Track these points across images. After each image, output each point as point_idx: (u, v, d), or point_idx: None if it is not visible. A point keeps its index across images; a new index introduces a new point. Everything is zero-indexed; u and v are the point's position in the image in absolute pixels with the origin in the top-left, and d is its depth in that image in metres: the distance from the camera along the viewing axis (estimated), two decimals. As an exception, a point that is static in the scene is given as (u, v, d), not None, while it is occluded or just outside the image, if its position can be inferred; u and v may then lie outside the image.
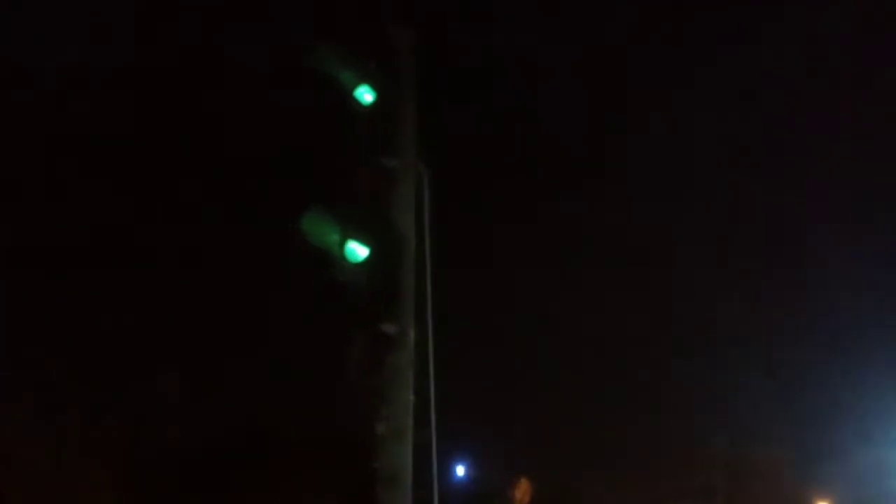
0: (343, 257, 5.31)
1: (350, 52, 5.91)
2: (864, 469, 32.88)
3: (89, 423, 20.41)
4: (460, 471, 32.50)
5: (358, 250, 5.36)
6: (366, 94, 5.89)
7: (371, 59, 5.95)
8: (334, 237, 5.30)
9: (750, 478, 33.64)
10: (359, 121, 5.87)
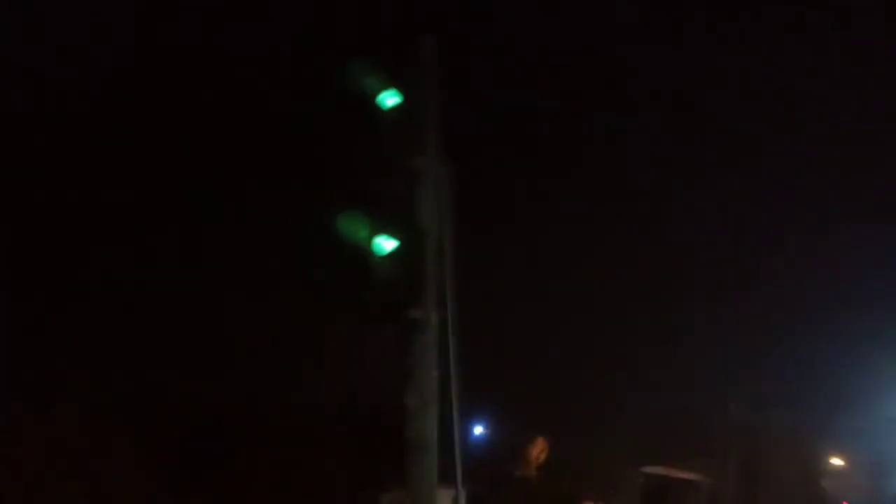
0: (372, 252, 5.93)
1: (373, 58, 6.44)
2: (877, 426, 33.43)
3: (107, 409, 21.14)
4: (478, 430, 33.50)
5: (385, 244, 5.98)
6: (388, 98, 6.45)
7: (394, 65, 6.48)
8: (364, 234, 5.91)
9: (763, 441, 34.24)
10: (383, 123, 6.43)
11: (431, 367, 6.03)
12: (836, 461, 37.45)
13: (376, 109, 6.35)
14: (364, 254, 5.91)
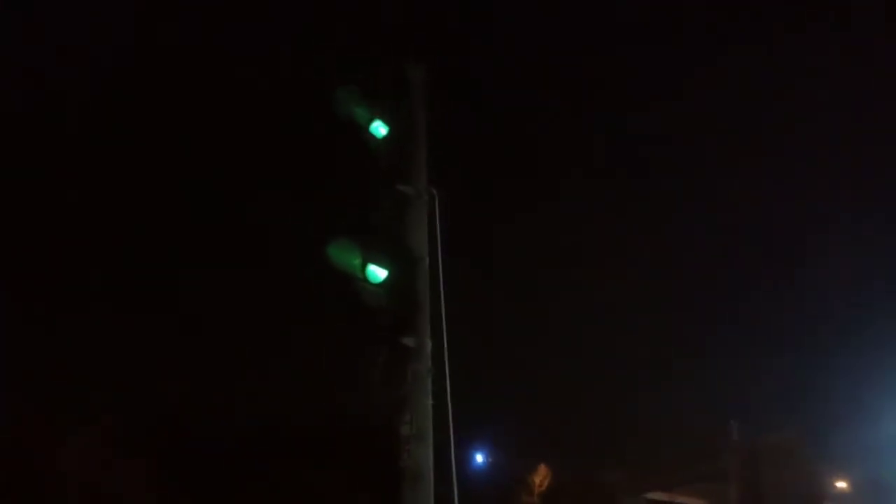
0: (365, 279, 5.91)
1: (363, 89, 6.48)
2: (878, 448, 33.21)
3: (125, 421, 21.12)
4: (479, 458, 33.21)
5: (378, 272, 5.96)
6: (380, 128, 6.48)
7: (383, 95, 6.52)
8: (356, 261, 5.89)
9: (765, 463, 33.99)
10: (374, 152, 6.45)
11: (426, 395, 5.98)
12: (840, 484, 37.15)
13: (367, 137, 6.38)
14: (357, 282, 5.89)
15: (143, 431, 21.48)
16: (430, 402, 6.00)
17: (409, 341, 5.95)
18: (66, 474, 18.96)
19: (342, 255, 5.82)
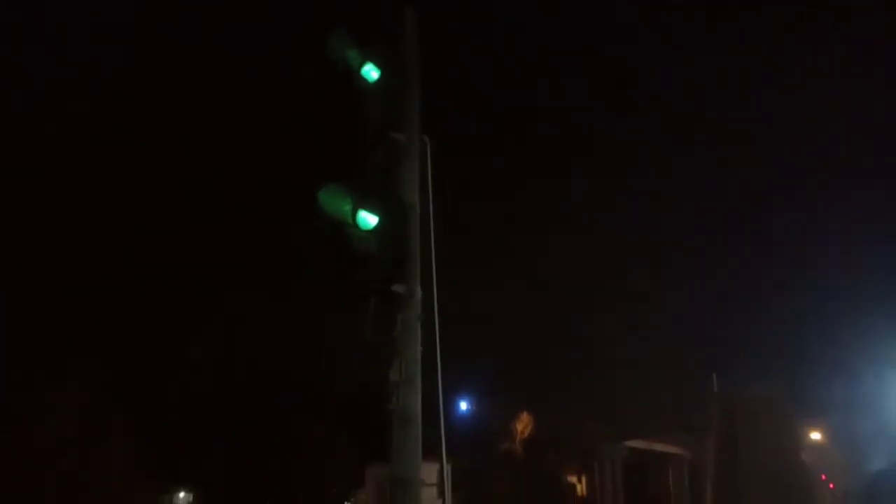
0: (356, 225, 5.87)
1: (356, 32, 6.35)
2: (855, 403, 33.99)
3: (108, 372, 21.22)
4: (464, 406, 33.72)
5: (369, 219, 5.93)
6: (372, 72, 6.37)
7: (376, 38, 6.39)
8: (347, 208, 5.85)
9: (743, 415, 34.72)
10: (366, 97, 6.36)
11: (415, 343, 6.01)
12: (815, 435, 38.05)
13: (359, 82, 6.27)
14: (346, 228, 5.86)
15: (127, 382, 21.64)
16: (419, 348, 6.04)
17: (399, 288, 5.96)
18: (49, 426, 19.09)
19: (333, 200, 5.78)
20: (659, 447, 40.08)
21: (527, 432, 37.35)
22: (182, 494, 25.04)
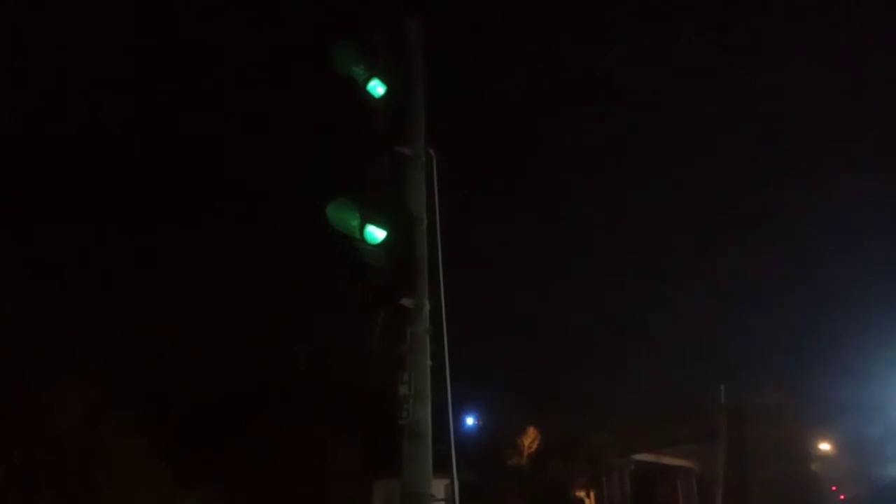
0: (363, 240, 5.88)
1: (361, 47, 6.38)
2: (860, 406, 33.80)
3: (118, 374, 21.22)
4: (470, 421, 33.61)
5: (376, 233, 5.93)
6: (378, 87, 6.40)
7: (382, 54, 6.42)
8: (355, 222, 5.85)
9: (752, 424, 34.48)
10: (372, 112, 6.38)
11: (424, 356, 6.00)
12: (824, 446, 37.75)
13: (364, 97, 6.30)
14: (355, 242, 5.86)
15: (133, 379, 21.66)
16: (428, 362, 6.03)
17: (407, 302, 5.96)
18: (54, 421, 19.04)
19: (341, 215, 5.78)
20: (667, 460, 39.86)
21: (534, 447, 37.17)
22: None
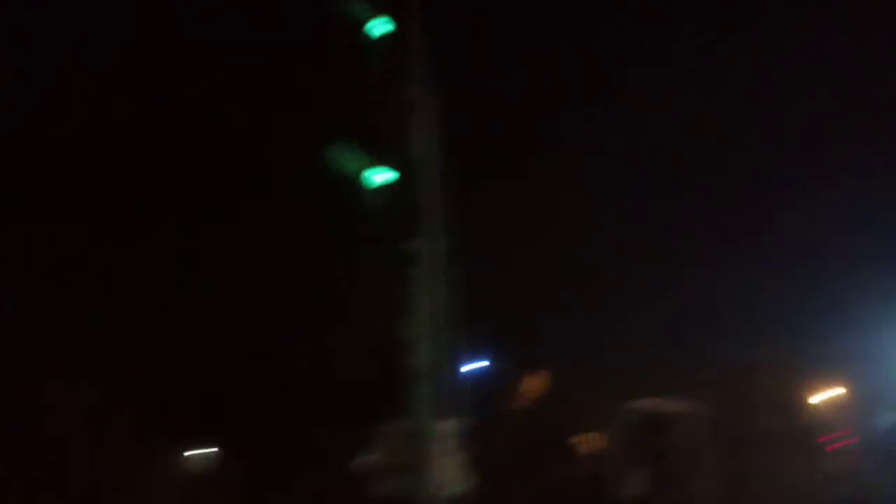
0: (368, 182, 5.85)
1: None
2: (862, 355, 33.92)
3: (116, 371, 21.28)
4: (475, 365, 33.92)
5: (380, 176, 5.91)
6: (379, 26, 6.28)
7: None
8: (357, 164, 5.82)
9: (754, 374, 34.66)
10: (374, 52, 6.27)
11: (431, 299, 6.03)
12: (838, 389, 37.95)
13: (366, 39, 6.19)
14: (358, 186, 5.84)
15: (133, 379, 21.73)
16: (434, 305, 6.05)
17: (413, 243, 5.96)
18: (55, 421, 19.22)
19: (345, 159, 5.75)
20: (670, 407, 40.31)
21: (538, 392, 37.59)
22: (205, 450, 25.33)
